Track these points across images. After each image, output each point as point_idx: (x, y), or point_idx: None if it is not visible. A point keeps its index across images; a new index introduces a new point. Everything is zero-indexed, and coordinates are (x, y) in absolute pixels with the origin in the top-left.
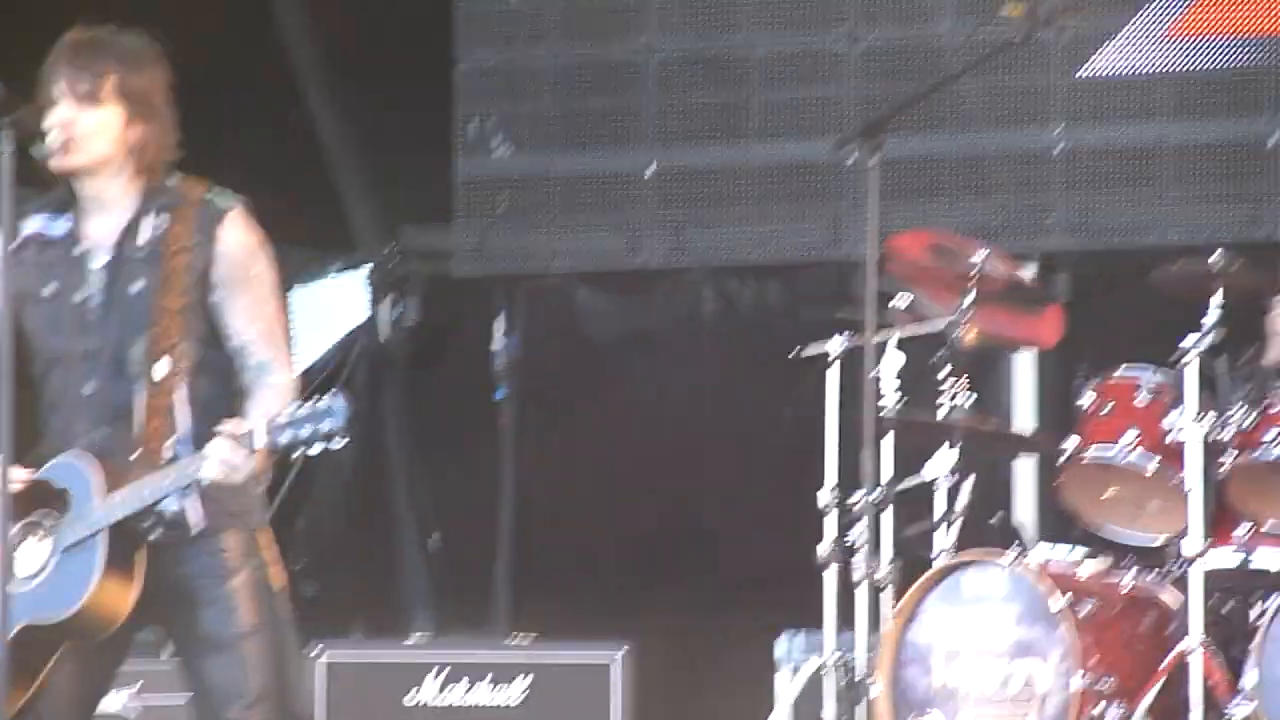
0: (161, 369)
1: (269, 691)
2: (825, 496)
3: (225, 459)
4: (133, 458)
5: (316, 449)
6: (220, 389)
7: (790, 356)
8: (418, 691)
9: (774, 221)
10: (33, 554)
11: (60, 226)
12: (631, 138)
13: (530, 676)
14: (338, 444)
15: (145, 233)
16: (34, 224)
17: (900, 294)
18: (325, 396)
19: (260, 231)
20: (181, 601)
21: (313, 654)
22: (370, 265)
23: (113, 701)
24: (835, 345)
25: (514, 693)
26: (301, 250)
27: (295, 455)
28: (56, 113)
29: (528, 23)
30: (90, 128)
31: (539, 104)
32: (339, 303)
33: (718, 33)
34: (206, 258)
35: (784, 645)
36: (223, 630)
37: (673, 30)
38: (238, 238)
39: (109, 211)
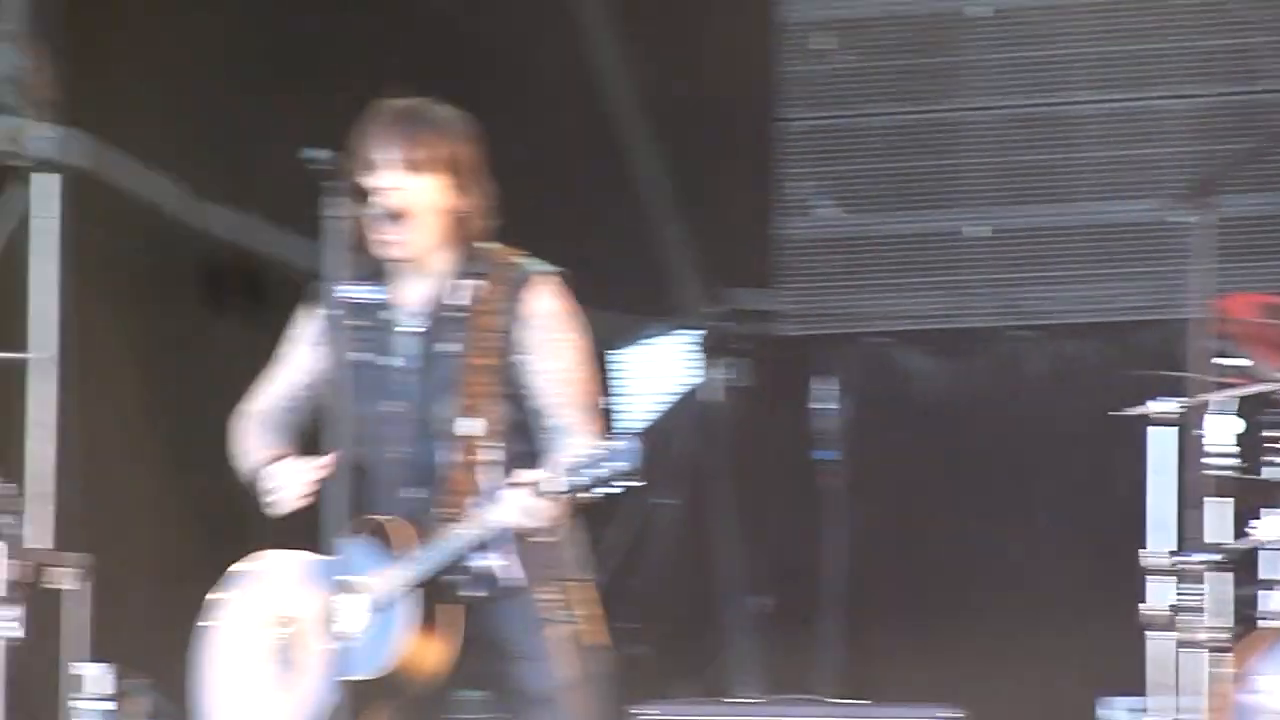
0: (469, 428)
1: None
2: (1149, 558)
3: (521, 505)
4: (440, 515)
5: (611, 490)
6: (528, 449)
7: (1112, 415)
8: None
9: (1102, 281)
10: (351, 611)
11: (374, 292)
12: (958, 198)
13: None
14: (632, 484)
15: (457, 297)
16: (352, 290)
17: (1230, 354)
18: (617, 438)
19: (571, 299)
20: (499, 657)
21: (635, 713)
22: (696, 327)
23: None
24: (1161, 405)
25: None
26: (628, 314)
27: (591, 497)
28: (380, 179)
29: (853, 83)
30: (417, 196)
31: (864, 164)
32: (666, 365)
33: (1045, 92)
34: (514, 321)
35: (1106, 710)
36: (541, 683)
37: (1000, 90)
38: (546, 303)
39: (423, 277)
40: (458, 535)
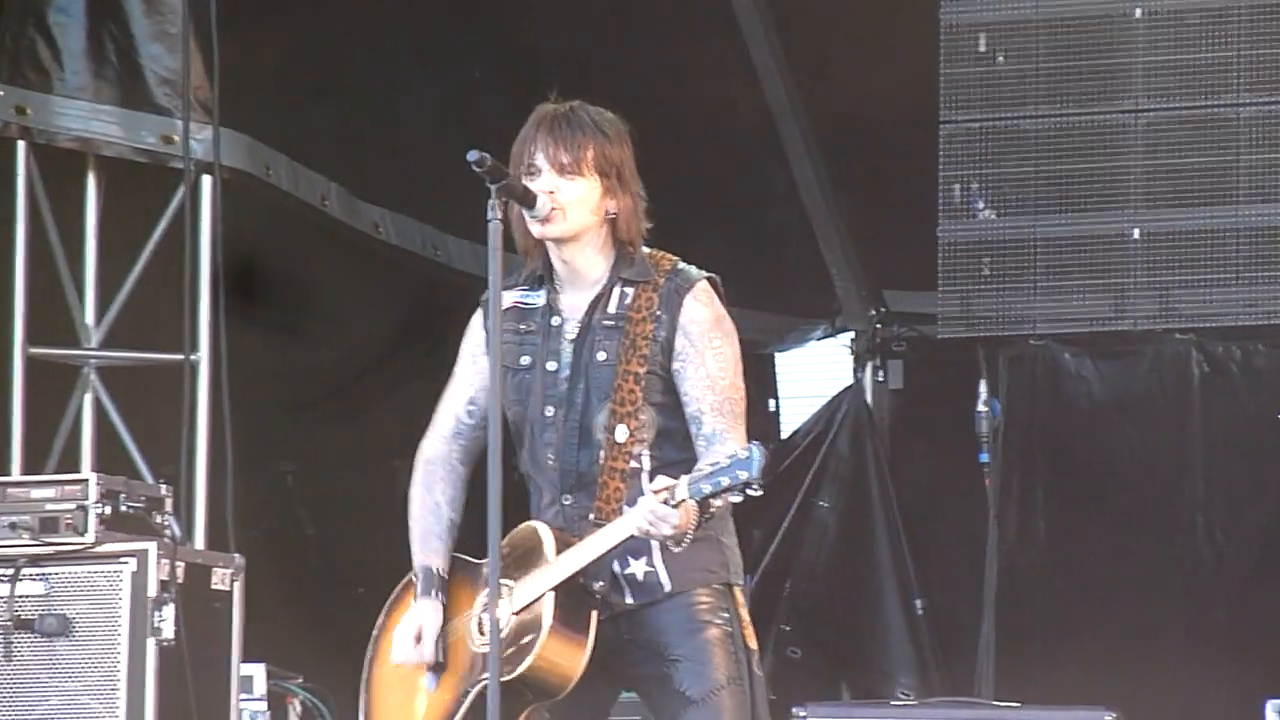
0: (621, 433)
1: None
2: None
3: (650, 512)
4: (590, 519)
5: (736, 498)
6: (683, 456)
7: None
8: None
9: (1263, 283)
10: (499, 614)
11: (538, 298)
12: (1117, 200)
13: None
14: (755, 492)
15: (613, 303)
16: (512, 296)
17: None
18: (745, 446)
19: (724, 305)
20: (654, 659)
21: (797, 714)
22: (854, 330)
23: None
24: None
25: None
26: (787, 316)
27: (717, 504)
28: (539, 181)
29: (1013, 85)
30: (572, 198)
31: (1023, 167)
32: (824, 367)
33: (1205, 94)
34: (670, 328)
35: (1275, 712)
36: (696, 685)
37: (1160, 92)
38: (700, 310)
39: (582, 283)
40: (593, 542)
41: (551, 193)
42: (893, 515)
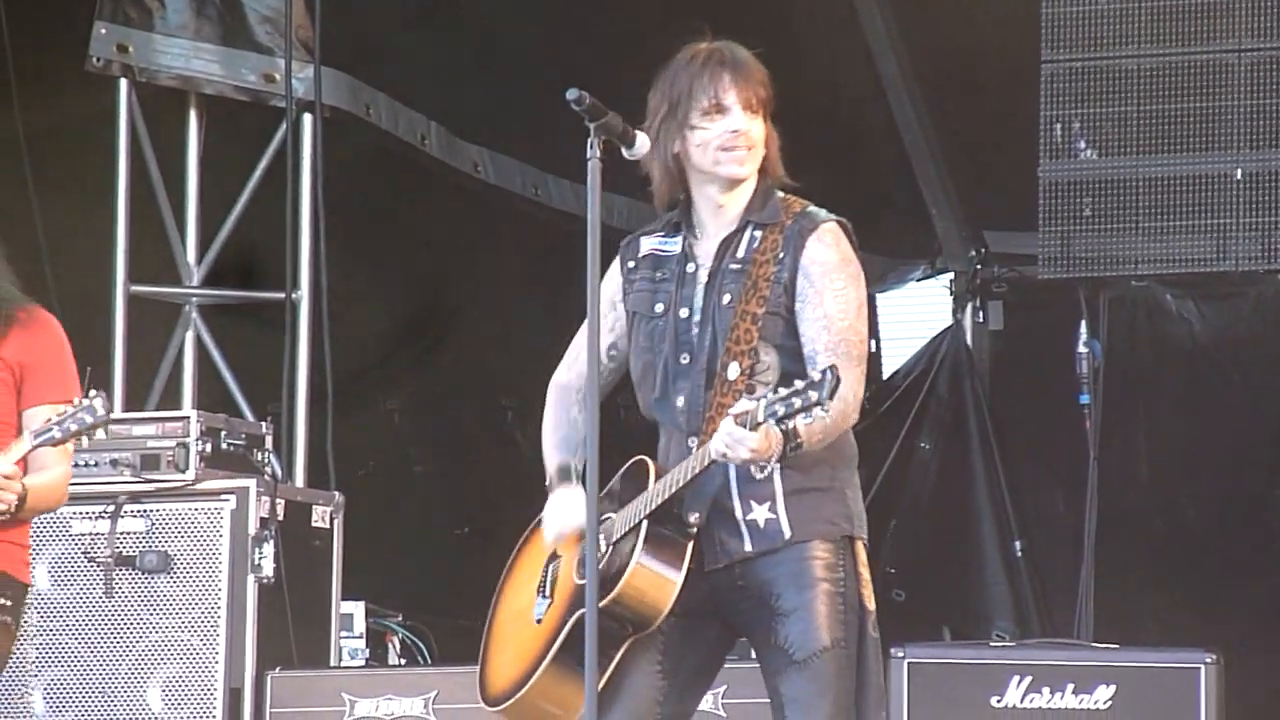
0: (733, 371)
1: (843, 709)
2: None
3: (728, 434)
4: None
5: (807, 420)
6: None
7: None
8: (1000, 697)
9: None
10: (597, 545)
11: (674, 245)
12: (1219, 140)
13: (1114, 686)
14: (822, 412)
15: (743, 247)
16: (649, 244)
17: None
18: (821, 370)
19: (852, 250)
20: (762, 609)
21: (897, 654)
22: (954, 271)
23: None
24: None
25: (1099, 699)
26: (886, 257)
27: (793, 432)
28: (729, 120)
29: (1115, 23)
30: (760, 136)
31: (1124, 106)
32: (924, 308)
33: None
34: (792, 269)
35: None
36: (799, 644)
37: (1263, 31)
38: (824, 252)
39: (718, 227)
40: (680, 471)
41: (744, 132)
42: (992, 457)
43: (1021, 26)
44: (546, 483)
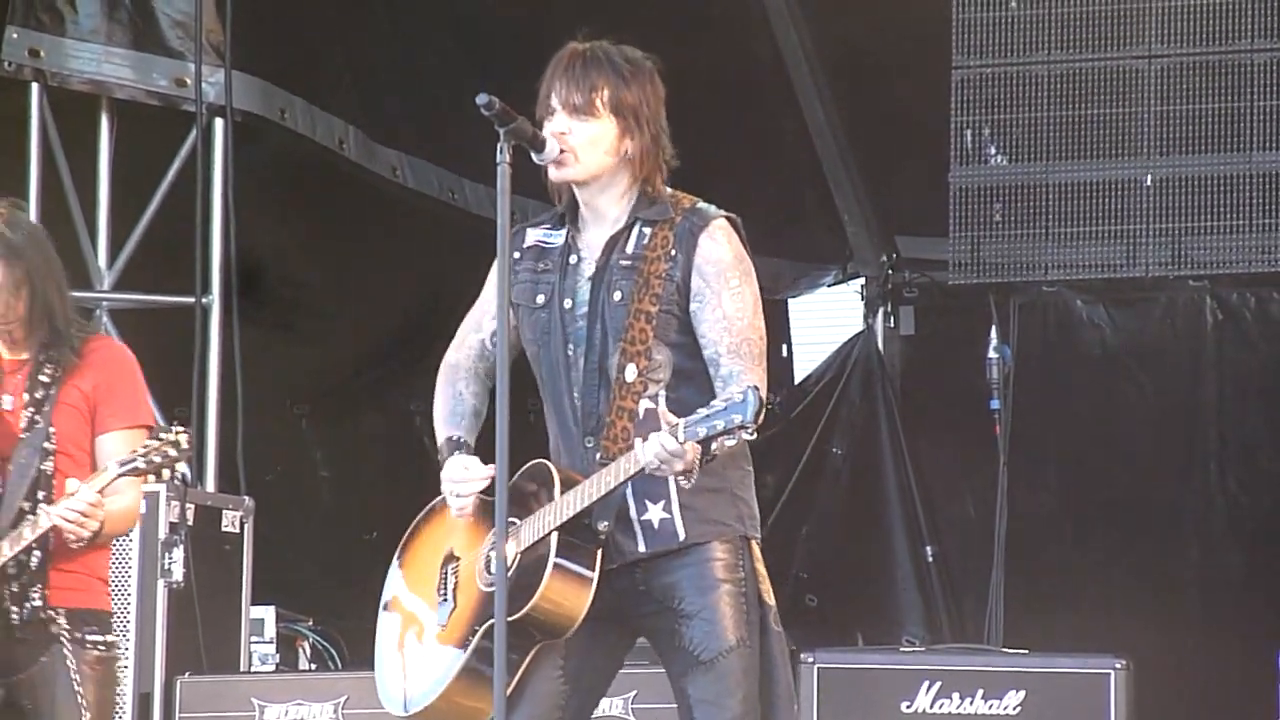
0: (631, 373)
1: (751, 708)
2: None
3: (658, 448)
4: (597, 460)
5: (731, 441)
6: (703, 397)
7: None
8: (910, 702)
9: (1276, 230)
10: (505, 553)
11: (558, 237)
12: (1130, 146)
13: (1024, 692)
14: (749, 435)
15: (631, 243)
16: (534, 235)
17: None
18: (742, 390)
19: (743, 246)
20: (666, 613)
21: (807, 660)
22: (866, 276)
23: (609, 706)
24: None
25: (1009, 705)
26: (798, 262)
27: (714, 448)
28: (553, 123)
29: (1026, 29)
30: (584, 140)
31: (1035, 112)
32: (836, 313)
33: (1218, 40)
34: (685, 268)
35: None
36: (705, 645)
37: (1174, 37)
38: (717, 250)
39: (602, 224)
40: (599, 479)
41: (564, 134)
42: (903, 462)
43: (933, 32)
44: (438, 457)
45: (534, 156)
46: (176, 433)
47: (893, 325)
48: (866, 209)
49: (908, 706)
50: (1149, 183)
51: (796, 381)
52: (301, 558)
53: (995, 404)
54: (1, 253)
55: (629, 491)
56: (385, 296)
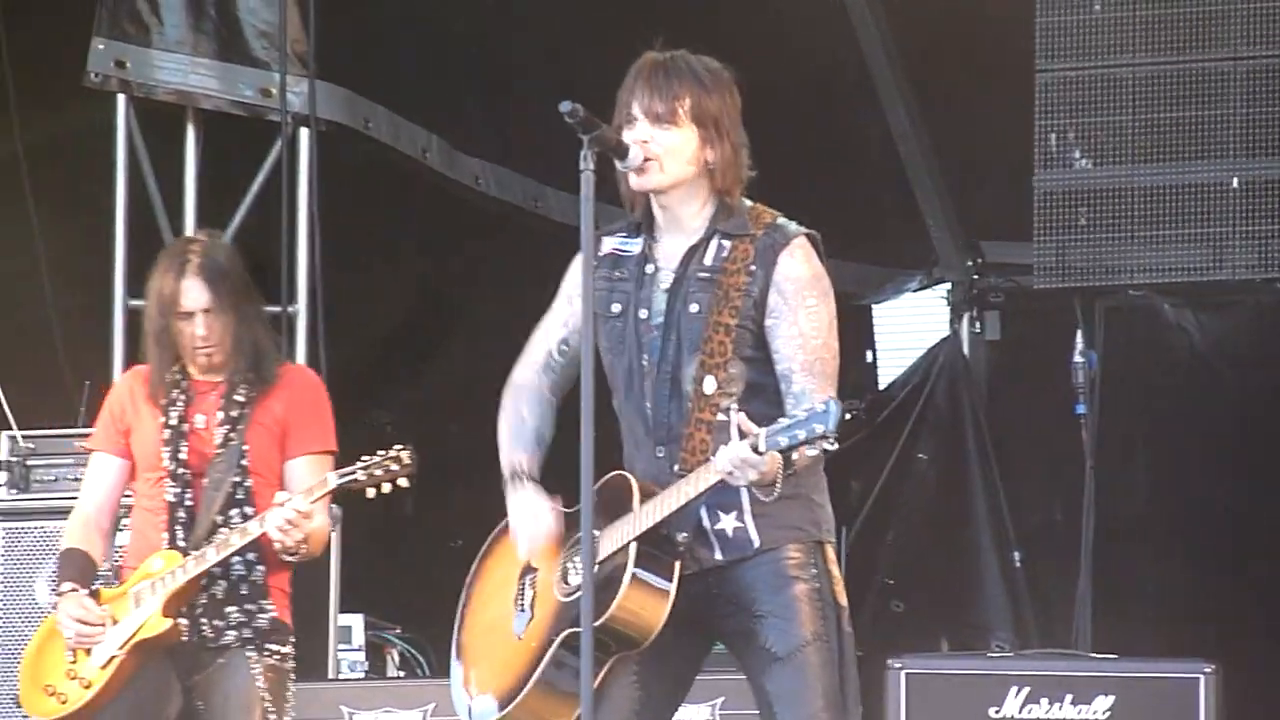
0: (710, 385)
1: (833, 701)
2: None
3: (733, 458)
4: (675, 470)
5: (812, 452)
6: (771, 411)
7: None
8: (999, 708)
9: None
10: (578, 569)
11: (634, 246)
12: (1216, 149)
13: (1112, 696)
14: (830, 446)
15: (710, 255)
16: (610, 243)
17: None
18: (824, 400)
19: (822, 264)
20: (741, 614)
21: (894, 665)
22: (951, 281)
23: (696, 713)
24: None
25: (1098, 710)
26: (883, 267)
27: (795, 459)
28: (635, 132)
29: (1110, 32)
30: (667, 148)
31: (1120, 115)
32: (920, 319)
33: None
34: (764, 283)
35: None
36: (782, 641)
37: (1260, 39)
38: (796, 268)
39: (680, 234)
40: (677, 491)
41: (646, 142)
42: (989, 467)
43: (1016, 35)
44: (502, 485)
45: (617, 163)
46: (398, 450)
47: (978, 330)
48: (951, 214)
49: (996, 712)
50: (1235, 185)
51: (881, 387)
52: (389, 565)
53: (1081, 409)
54: (209, 279)
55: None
56: (467, 304)
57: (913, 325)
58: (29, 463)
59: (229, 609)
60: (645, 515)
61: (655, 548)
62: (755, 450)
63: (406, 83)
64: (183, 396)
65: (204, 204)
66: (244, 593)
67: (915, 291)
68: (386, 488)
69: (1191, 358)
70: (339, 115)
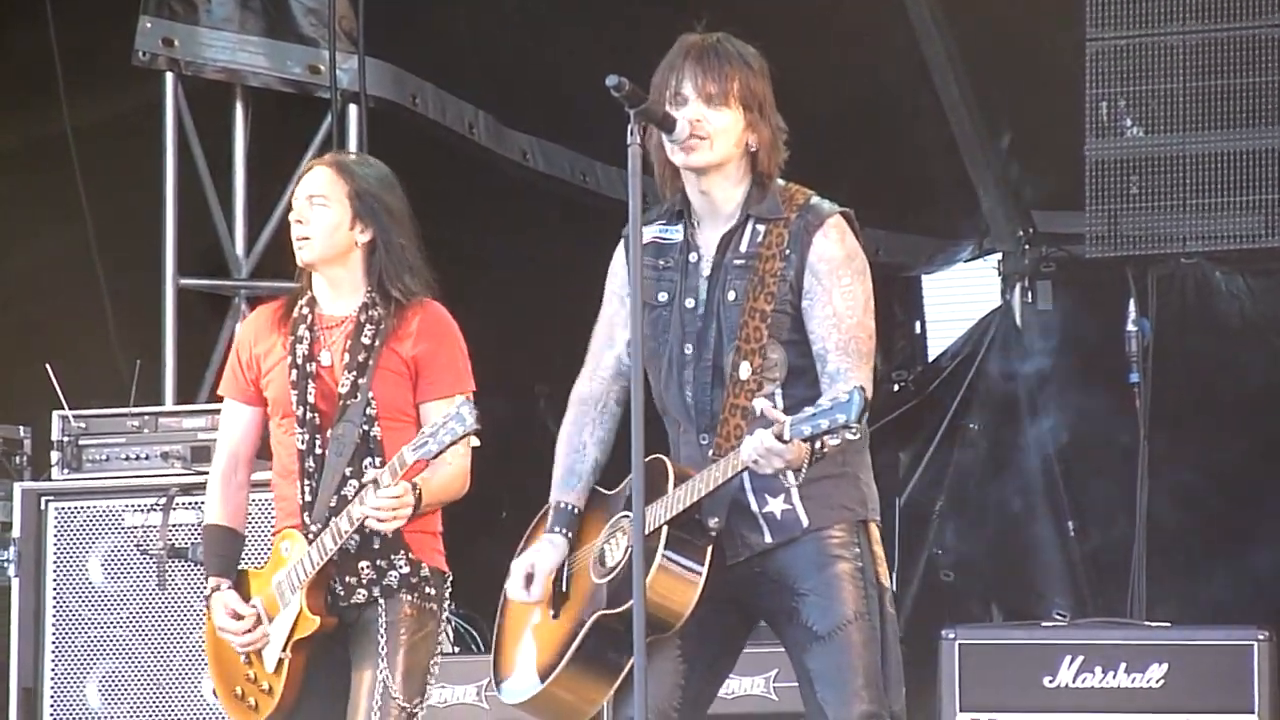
0: (744, 371)
1: (874, 680)
2: None
3: (757, 447)
4: (710, 456)
5: (835, 440)
6: (816, 394)
7: None
8: (1053, 677)
9: None
10: (615, 551)
11: (675, 233)
12: (1266, 115)
13: (1166, 664)
14: (853, 435)
15: (745, 241)
16: (650, 232)
17: None
18: (848, 390)
19: (857, 242)
20: (783, 593)
21: (947, 635)
22: (1002, 251)
23: (750, 685)
24: None
25: (1152, 678)
26: (934, 238)
27: (819, 446)
28: (686, 111)
29: (1159, 0)
30: (719, 128)
31: (1170, 83)
32: (972, 289)
33: None
34: (798, 266)
35: None
36: (823, 620)
37: None
38: (830, 248)
39: (716, 219)
40: (705, 477)
41: (699, 121)
42: (1043, 437)
43: (1066, 5)
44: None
45: (664, 137)
46: (459, 406)
47: (1030, 300)
48: (1002, 184)
49: (1050, 681)
50: None
51: (931, 358)
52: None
53: (1135, 377)
54: (344, 183)
55: (747, 486)
56: (507, 279)
57: (964, 295)
58: (81, 442)
59: (361, 564)
60: (675, 500)
61: (686, 532)
62: (780, 439)
63: (453, 58)
64: (309, 333)
65: (253, 182)
66: (376, 547)
67: (967, 262)
68: (461, 448)
69: (1243, 325)
70: (387, 91)
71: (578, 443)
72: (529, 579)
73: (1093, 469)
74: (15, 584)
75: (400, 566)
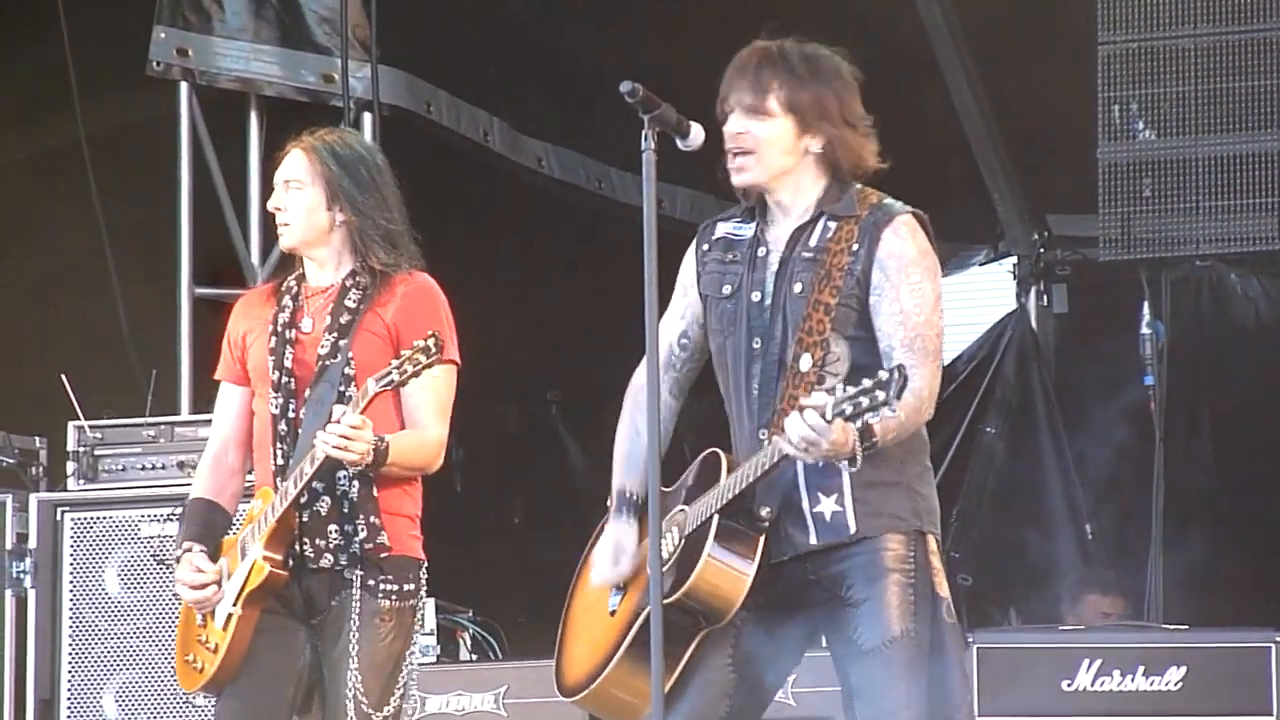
0: (805, 363)
1: (914, 700)
2: None
3: (797, 431)
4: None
5: (875, 417)
6: None
7: None
8: (1071, 680)
9: None
10: (668, 545)
11: (747, 230)
12: (1278, 118)
13: (1184, 667)
14: (889, 412)
15: (815, 236)
16: (724, 228)
17: None
18: (888, 369)
19: (929, 242)
20: (833, 600)
21: (966, 640)
22: (1017, 254)
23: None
24: None
25: (1170, 681)
26: (948, 243)
27: (858, 424)
28: (730, 124)
29: (1171, 3)
30: (760, 140)
31: (1183, 86)
32: (987, 292)
33: None
34: (866, 262)
35: None
36: (870, 634)
37: None
38: (900, 245)
39: (789, 217)
40: (751, 465)
41: (740, 134)
42: (1060, 440)
43: (1078, 7)
44: (607, 500)
45: (679, 143)
46: (427, 338)
47: (1045, 303)
48: (1016, 187)
49: (1068, 685)
50: None
51: (947, 362)
52: (458, 549)
53: (1150, 380)
54: (317, 165)
55: (802, 483)
56: (521, 286)
57: (979, 300)
58: (97, 453)
59: (330, 527)
60: (725, 489)
61: (737, 521)
62: (823, 418)
63: (467, 66)
64: (293, 303)
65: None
66: (344, 510)
67: (981, 265)
68: (424, 377)
69: (1258, 327)
70: (400, 100)
71: (633, 430)
72: (615, 558)
73: (1109, 472)
74: (32, 595)
75: (371, 537)
